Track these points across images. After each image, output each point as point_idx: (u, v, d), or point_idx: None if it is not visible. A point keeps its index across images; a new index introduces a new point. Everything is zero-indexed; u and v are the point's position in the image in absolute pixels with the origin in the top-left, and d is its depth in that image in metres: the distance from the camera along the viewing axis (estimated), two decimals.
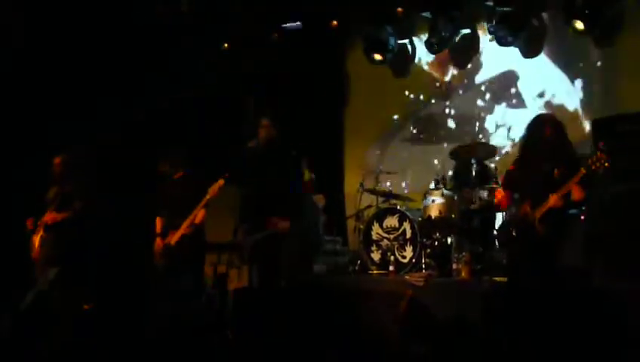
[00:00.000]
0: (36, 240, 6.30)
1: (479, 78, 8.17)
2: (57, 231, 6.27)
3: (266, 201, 5.75)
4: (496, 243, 6.58)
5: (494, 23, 7.45)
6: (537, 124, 5.12)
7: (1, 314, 5.00)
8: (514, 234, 5.18)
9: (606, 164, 4.67)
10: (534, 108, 7.64)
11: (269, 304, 5.34)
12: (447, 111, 8.34)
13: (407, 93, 8.52)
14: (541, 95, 7.72)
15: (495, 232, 6.54)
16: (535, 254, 4.97)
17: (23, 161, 7.12)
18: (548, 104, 7.65)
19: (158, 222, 6.23)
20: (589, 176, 4.78)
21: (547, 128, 5.03)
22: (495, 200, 5.97)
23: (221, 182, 5.91)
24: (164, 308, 5.83)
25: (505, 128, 7.94)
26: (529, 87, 7.83)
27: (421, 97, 8.49)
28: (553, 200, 4.87)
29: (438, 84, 8.38)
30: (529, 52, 7.70)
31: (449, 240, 6.63)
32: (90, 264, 6.51)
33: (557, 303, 4.38)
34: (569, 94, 7.56)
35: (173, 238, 5.99)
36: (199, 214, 6.01)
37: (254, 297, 5.64)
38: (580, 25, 7.02)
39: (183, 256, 6.01)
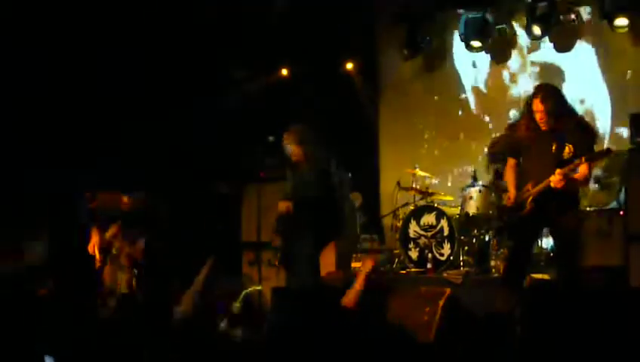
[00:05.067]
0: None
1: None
2: None
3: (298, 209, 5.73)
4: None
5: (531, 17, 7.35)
6: (531, 95, 4.82)
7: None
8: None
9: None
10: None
11: (308, 302, 5.37)
12: (481, 107, 8.28)
13: (440, 91, 8.48)
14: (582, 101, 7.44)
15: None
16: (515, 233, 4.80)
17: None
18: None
19: None
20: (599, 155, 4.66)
21: (540, 98, 4.67)
22: None
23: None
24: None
25: None
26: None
27: (455, 95, 8.42)
28: (555, 178, 4.54)
29: None
30: (561, 47, 7.60)
31: (487, 236, 6.59)
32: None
33: (594, 302, 4.33)
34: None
35: None
36: None
37: (292, 296, 5.68)
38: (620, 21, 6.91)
39: None
